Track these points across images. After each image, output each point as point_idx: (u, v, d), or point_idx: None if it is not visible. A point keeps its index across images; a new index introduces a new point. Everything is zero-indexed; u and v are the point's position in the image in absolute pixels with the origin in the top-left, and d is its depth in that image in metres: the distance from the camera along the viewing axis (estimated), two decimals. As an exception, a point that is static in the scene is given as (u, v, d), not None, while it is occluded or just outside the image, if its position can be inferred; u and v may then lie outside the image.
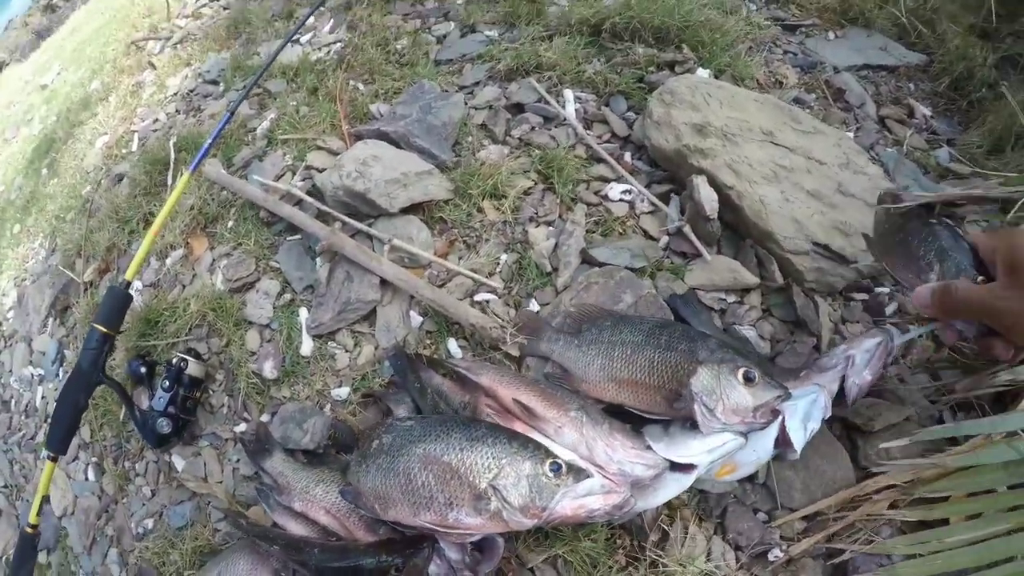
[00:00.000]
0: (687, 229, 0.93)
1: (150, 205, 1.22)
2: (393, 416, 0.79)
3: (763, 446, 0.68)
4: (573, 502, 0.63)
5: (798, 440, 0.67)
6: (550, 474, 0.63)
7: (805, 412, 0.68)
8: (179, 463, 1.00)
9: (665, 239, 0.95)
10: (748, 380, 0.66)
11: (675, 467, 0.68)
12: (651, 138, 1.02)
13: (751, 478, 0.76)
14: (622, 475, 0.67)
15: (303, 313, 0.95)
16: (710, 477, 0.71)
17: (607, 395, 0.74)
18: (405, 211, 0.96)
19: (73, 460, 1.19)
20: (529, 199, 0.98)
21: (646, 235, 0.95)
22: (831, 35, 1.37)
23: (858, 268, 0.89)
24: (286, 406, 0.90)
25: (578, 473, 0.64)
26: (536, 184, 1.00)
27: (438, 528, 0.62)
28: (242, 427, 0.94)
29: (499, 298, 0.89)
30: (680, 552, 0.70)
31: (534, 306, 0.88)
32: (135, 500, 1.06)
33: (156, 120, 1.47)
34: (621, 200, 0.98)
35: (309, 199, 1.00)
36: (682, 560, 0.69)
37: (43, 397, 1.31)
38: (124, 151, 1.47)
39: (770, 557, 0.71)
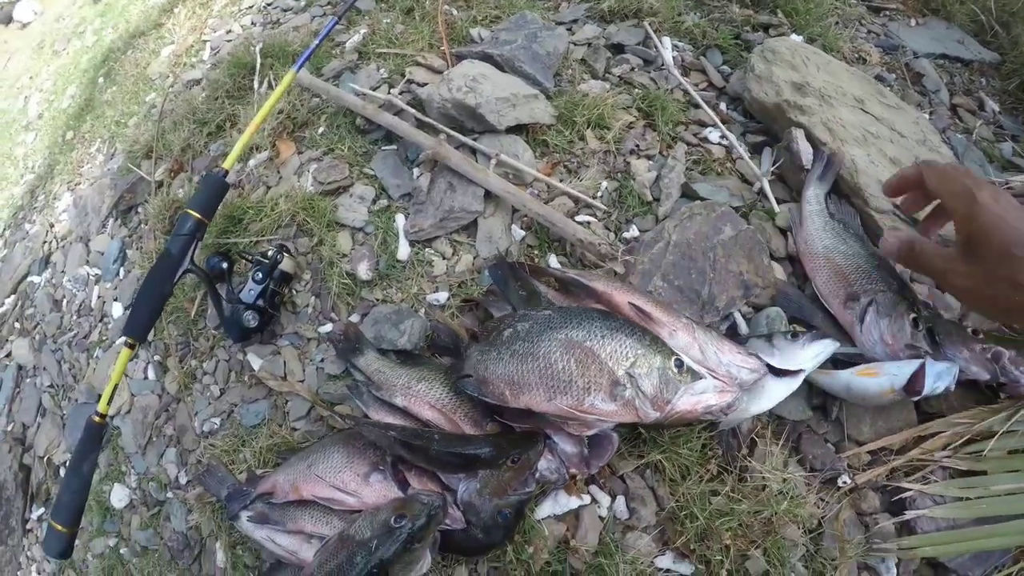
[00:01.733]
0: (766, 184, 0.95)
1: (234, 107, 1.20)
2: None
3: (904, 372, 0.73)
4: (692, 398, 0.65)
5: (928, 387, 0.72)
6: (675, 369, 0.65)
7: (939, 373, 0.73)
8: (255, 362, 1.00)
9: (758, 184, 0.97)
10: (915, 325, 0.75)
11: (779, 373, 0.72)
12: (751, 91, 1.04)
13: (825, 412, 0.80)
14: (730, 378, 0.70)
15: (400, 219, 0.96)
16: (848, 380, 0.75)
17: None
18: (510, 131, 0.97)
19: (132, 359, 1.18)
20: (631, 133, 0.99)
21: (742, 178, 0.97)
22: (912, 22, 1.40)
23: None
24: (379, 307, 0.91)
25: (694, 374, 0.67)
26: (637, 120, 1.01)
27: (573, 412, 0.63)
28: (328, 327, 0.95)
29: (599, 221, 0.91)
30: (767, 463, 0.74)
31: (634, 231, 0.90)
32: (200, 399, 1.05)
33: (229, 31, 1.45)
34: (720, 144, 1.00)
35: (411, 110, 1.00)
36: (770, 468, 0.72)
37: (99, 296, 1.30)
38: (194, 59, 1.44)
39: (839, 483, 0.76)
